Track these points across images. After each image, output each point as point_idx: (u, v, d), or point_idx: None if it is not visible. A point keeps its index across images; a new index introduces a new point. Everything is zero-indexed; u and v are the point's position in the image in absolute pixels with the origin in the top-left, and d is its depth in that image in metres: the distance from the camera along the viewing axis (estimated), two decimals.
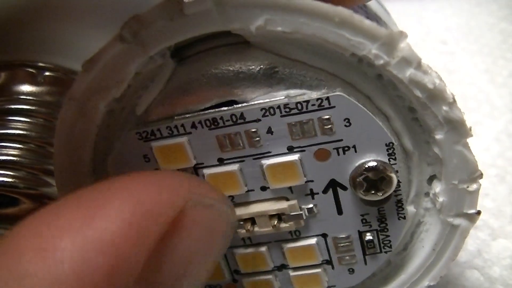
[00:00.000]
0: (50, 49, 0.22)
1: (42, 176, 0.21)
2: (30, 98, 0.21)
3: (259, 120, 0.15)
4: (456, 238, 0.16)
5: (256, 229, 0.16)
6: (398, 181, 0.15)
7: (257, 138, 0.15)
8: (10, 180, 0.20)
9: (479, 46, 0.36)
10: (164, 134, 0.15)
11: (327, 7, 0.14)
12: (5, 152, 0.21)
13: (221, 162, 0.16)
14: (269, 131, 0.15)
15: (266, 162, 0.15)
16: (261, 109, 0.15)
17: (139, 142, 0.16)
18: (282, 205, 0.16)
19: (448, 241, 0.16)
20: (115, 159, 0.16)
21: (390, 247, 0.17)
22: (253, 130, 0.15)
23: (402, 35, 0.14)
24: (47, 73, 0.22)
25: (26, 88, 0.22)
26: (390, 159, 0.15)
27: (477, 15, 0.39)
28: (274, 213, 0.16)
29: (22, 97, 0.21)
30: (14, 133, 0.21)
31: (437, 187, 0.16)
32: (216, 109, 0.15)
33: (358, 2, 0.17)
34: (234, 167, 0.16)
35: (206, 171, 0.16)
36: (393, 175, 0.15)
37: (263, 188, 0.16)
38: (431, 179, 0.16)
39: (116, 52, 0.15)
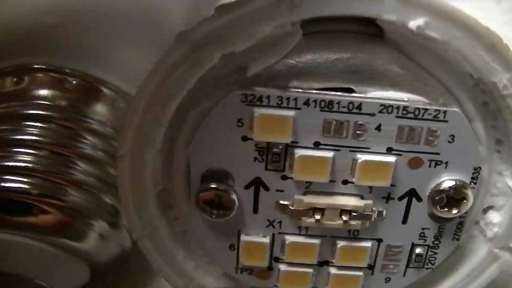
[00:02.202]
0: (77, 56, 0.22)
1: (56, 183, 0.20)
2: (52, 103, 0.21)
3: (374, 115, 0.15)
4: (492, 268, 0.18)
5: (324, 221, 0.17)
6: (472, 204, 0.17)
7: (363, 132, 0.16)
8: (23, 186, 0.19)
9: None
10: (272, 103, 0.15)
11: (484, 28, 0.14)
12: (20, 158, 0.20)
13: (316, 145, 0.16)
14: (378, 128, 0.16)
15: (362, 157, 0.16)
16: (381, 105, 0.15)
17: (240, 104, 0.15)
18: (359, 202, 0.16)
19: (485, 270, 0.18)
20: (201, 115, 0.16)
21: (433, 264, 0.18)
22: (362, 122, 0.15)
23: None
24: (73, 80, 0.21)
25: (48, 93, 0.21)
26: (472, 182, 0.16)
27: (480, 20, 0.41)
28: (349, 209, 0.16)
29: (43, 102, 0.21)
30: (31, 139, 0.20)
31: (494, 217, 0.17)
32: (335, 93, 0.15)
33: None
34: (329, 154, 0.16)
35: (299, 151, 0.16)
36: (471, 197, 0.16)
37: (345, 182, 0.16)
38: (486, 209, 0.18)
39: (261, 4, 0.14)
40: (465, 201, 0.16)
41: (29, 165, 0.20)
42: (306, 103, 0.15)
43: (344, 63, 0.15)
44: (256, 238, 0.17)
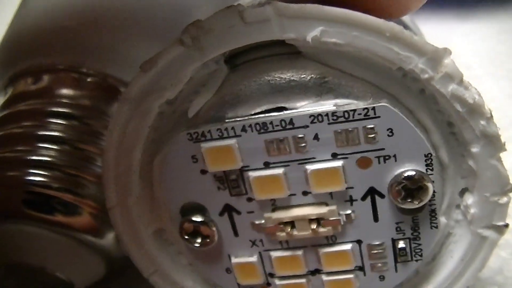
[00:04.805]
0: (96, 55, 0.24)
1: (77, 178, 0.23)
2: (72, 102, 0.23)
3: (307, 126, 0.17)
4: (484, 249, 0.18)
5: (295, 232, 0.18)
6: (434, 191, 0.17)
7: (304, 144, 0.17)
8: (44, 179, 0.22)
9: (505, 72, 0.38)
10: (214, 136, 0.17)
11: (380, 22, 0.15)
12: (43, 152, 0.22)
13: (266, 165, 0.17)
14: (316, 137, 0.17)
15: (311, 167, 0.17)
16: (310, 116, 0.17)
17: (188, 143, 0.17)
18: (322, 210, 0.18)
19: (477, 252, 0.18)
20: (163, 159, 0.18)
21: (421, 255, 0.18)
22: (300, 136, 0.17)
23: (447, 51, 0.16)
24: (90, 79, 0.24)
25: (68, 92, 0.24)
26: (428, 170, 0.17)
27: (503, 41, 0.41)
28: (314, 217, 0.18)
29: (63, 100, 0.23)
30: (53, 135, 0.23)
31: (469, 199, 0.18)
32: (267, 114, 0.17)
33: (401, 14, 0.18)
34: (279, 171, 0.17)
35: (252, 174, 0.17)
36: (430, 185, 0.17)
37: (305, 193, 0.18)
38: (463, 191, 0.18)
39: (175, 55, 0.16)
40: (423, 189, 0.17)
41: (52, 159, 0.22)
42: (243, 129, 0.17)
43: (268, 86, 0.17)
44: (245, 258, 0.19)
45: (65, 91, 0.24)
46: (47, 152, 0.22)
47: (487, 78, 0.37)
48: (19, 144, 0.23)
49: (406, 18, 0.24)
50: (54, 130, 0.23)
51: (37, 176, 0.22)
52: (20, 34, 0.26)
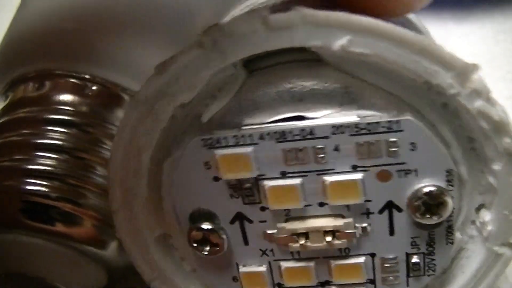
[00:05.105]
0: (97, 61, 0.23)
1: (77, 187, 0.22)
2: (72, 108, 0.23)
3: (328, 137, 0.16)
4: (498, 266, 0.18)
5: (308, 244, 0.18)
6: (453, 207, 0.17)
7: (323, 155, 0.17)
8: (43, 189, 0.22)
9: (503, 73, 0.38)
10: (230, 143, 0.17)
11: (410, 35, 0.15)
12: (42, 161, 0.22)
13: (283, 175, 0.17)
14: (336, 148, 0.16)
15: (329, 178, 0.17)
16: (332, 127, 0.16)
17: (202, 149, 0.17)
18: (338, 222, 0.17)
19: (490, 268, 0.18)
20: (173, 164, 0.17)
21: (434, 270, 0.18)
22: (320, 146, 0.16)
23: (475, 67, 0.15)
24: (91, 85, 0.23)
25: (68, 98, 0.23)
26: (449, 185, 0.17)
27: (501, 42, 0.41)
28: (330, 229, 0.17)
29: (64, 107, 0.23)
30: (52, 143, 0.22)
31: (486, 216, 0.17)
32: (287, 123, 0.16)
33: (403, 13, 0.18)
34: (296, 181, 0.17)
35: (267, 183, 0.17)
36: (450, 201, 0.17)
37: (321, 204, 0.17)
38: (479, 208, 0.18)
39: (193, 57, 0.16)
40: (443, 205, 0.17)
41: (50, 168, 0.21)
42: (261, 137, 0.16)
43: (288, 93, 0.16)
44: (253, 268, 0.19)
45: (65, 98, 0.23)
46: (46, 161, 0.22)
47: (485, 79, 0.37)
48: (17, 153, 0.22)
49: (414, 19, 0.24)
50: (53, 138, 0.22)
51: (35, 186, 0.22)
52: (20, 38, 0.25)
